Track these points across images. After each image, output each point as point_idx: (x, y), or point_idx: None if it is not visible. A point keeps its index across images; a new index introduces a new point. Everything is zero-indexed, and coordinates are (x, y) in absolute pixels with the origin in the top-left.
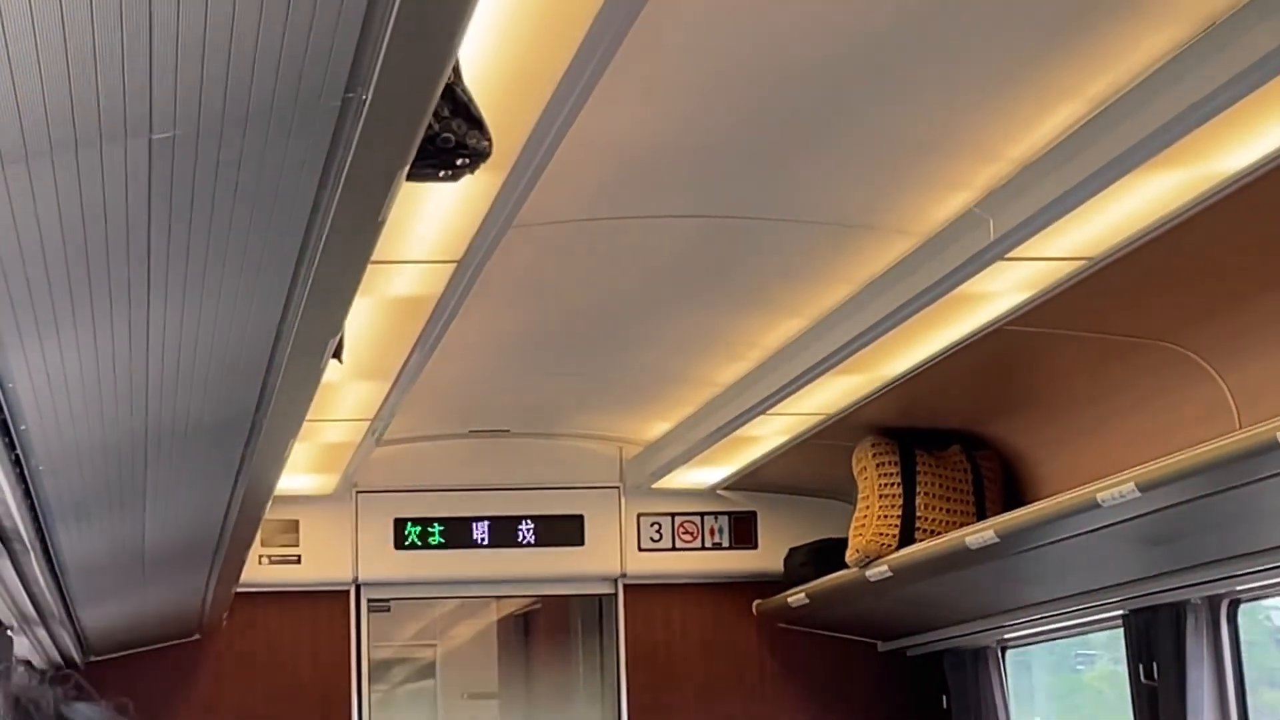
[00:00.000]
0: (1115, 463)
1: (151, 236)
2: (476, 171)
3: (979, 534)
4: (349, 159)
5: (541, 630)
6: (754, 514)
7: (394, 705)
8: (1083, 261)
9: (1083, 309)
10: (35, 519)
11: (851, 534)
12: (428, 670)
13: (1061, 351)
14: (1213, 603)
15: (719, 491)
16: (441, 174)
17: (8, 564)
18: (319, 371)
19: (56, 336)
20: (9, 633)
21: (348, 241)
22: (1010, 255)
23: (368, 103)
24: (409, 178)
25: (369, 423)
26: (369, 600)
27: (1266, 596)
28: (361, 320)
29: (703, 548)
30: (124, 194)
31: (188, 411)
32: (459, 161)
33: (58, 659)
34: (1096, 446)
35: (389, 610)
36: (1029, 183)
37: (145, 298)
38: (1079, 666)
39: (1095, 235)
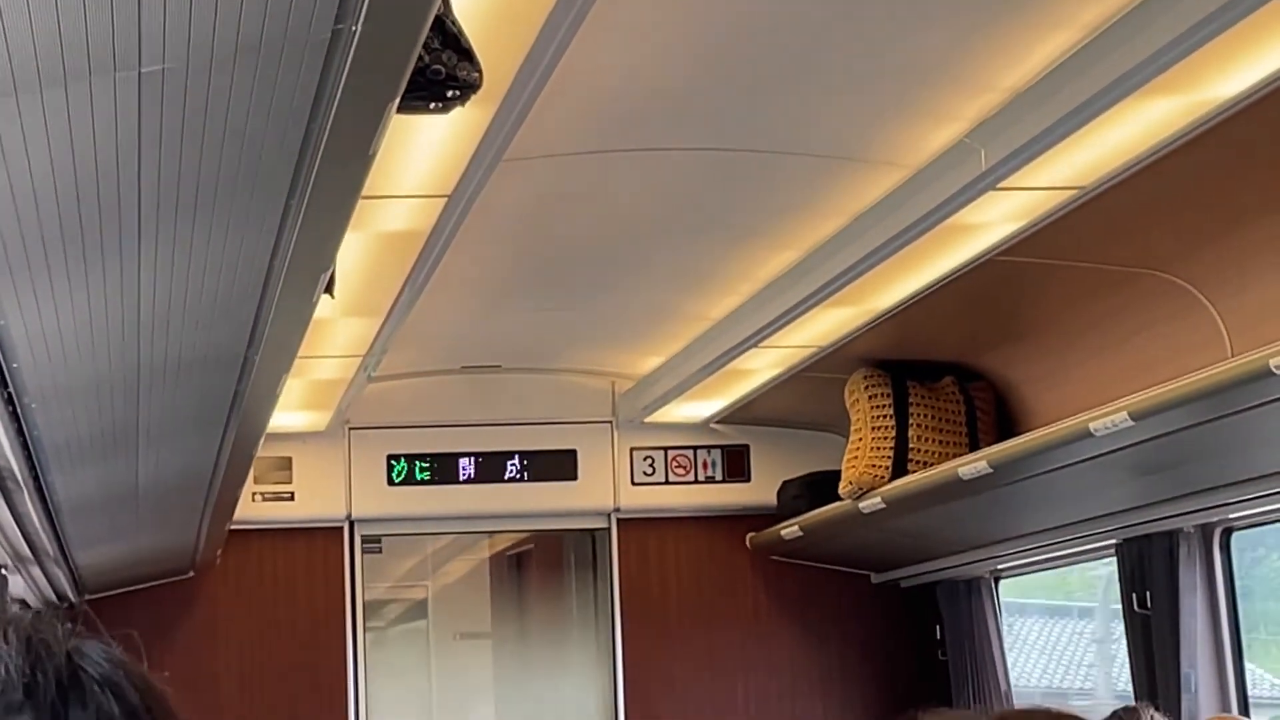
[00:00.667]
0: (1108, 392)
1: (141, 172)
2: (467, 104)
3: (972, 465)
4: (339, 91)
5: (534, 568)
6: (747, 447)
7: (386, 644)
8: (1075, 191)
9: (1075, 239)
10: (29, 457)
11: (844, 466)
12: (419, 609)
13: (1054, 282)
14: (1205, 531)
15: (712, 425)
16: (432, 106)
17: (1, 503)
18: (311, 307)
19: (48, 274)
20: (3, 571)
21: (338, 175)
22: (1002, 185)
23: (357, 35)
24: (399, 110)
25: (361, 359)
26: (362, 538)
27: (1259, 524)
28: (353, 256)
29: (696, 481)
30: (113, 129)
31: (180, 348)
32: (449, 94)
33: (53, 598)
34: (1089, 376)
35: (380, 550)
36: (1020, 112)
37: (136, 234)
38: None
39: (1087, 164)
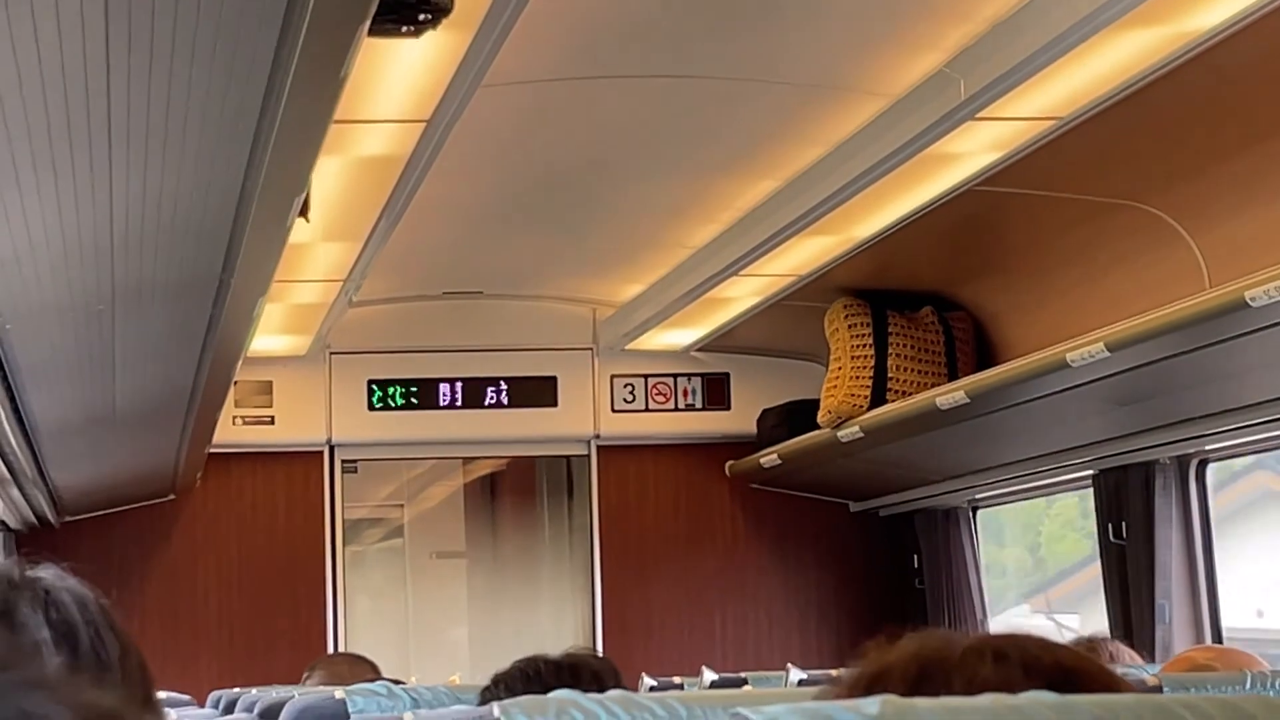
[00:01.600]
0: (1086, 324)
1: (110, 90)
2: (442, 28)
3: (950, 394)
4: (308, 13)
5: (507, 492)
6: (727, 375)
7: (364, 564)
8: (1054, 121)
9: (1054, 170)
10: (4, 378)
11: (823, 395)
12: (396, 531)
13: (1033, 213)
14: (1181, 462)
15: (692, 353)
16: (404, 29)
17: None
18: (285, 230)
19: (19, 193)
20: None
21: (310, 98)
22: (981, 115)
23: None
24: (370, 33)
25: (341, 284)
26: (343, 462)
27: (1234, 456)
28: (331, 181)
29: (676, 409)
30: (81, 46)
31: (154, 270)
32: (421, 16)
33: (31, 519)
34: (1068, 307)
35: (356, 471)
36: (1000, 41)
37: (107, 154)
38: None
39: (1067, 94)
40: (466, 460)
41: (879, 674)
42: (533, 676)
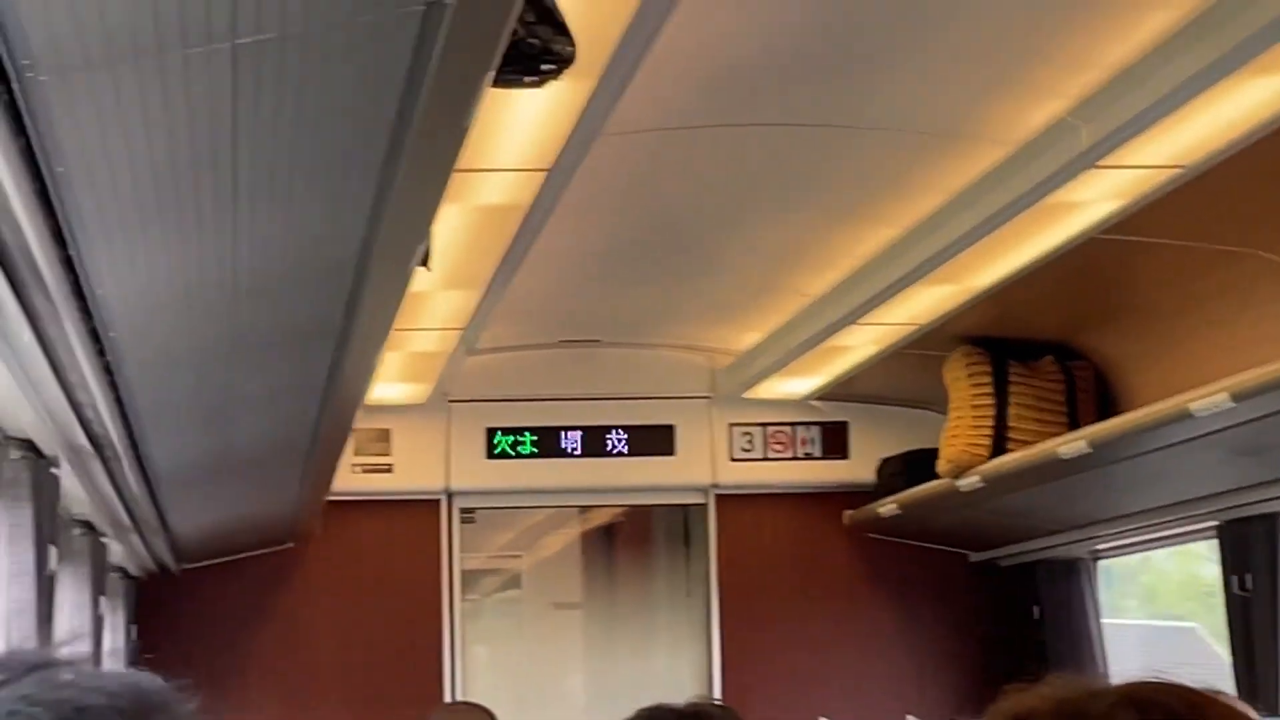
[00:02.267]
0: (1210, 373)
1: (237, 142)
2: (564, 79)
3: (1071, 444)
4: (433, 65)
5: (624, 542)
6: (845, 424)
7: (481, 614)
8: (1176, 170)
9: (1176, 218)
10: (127, 425)
11: (943, 444)
12: (514, 581)
13: (1155, 261)
14: None
15: (810, 402)
16: (527, 80)
17: (100, 470)
18: (406, 279)
19: (144, 243)
20: (103, 540)
21: (433, 148)
22: (1102, 163)
23: (451, 7)
24: (494, 84)
25: (460, 332)
26: (460, 510)
27: None
28: (452, 229)
29: (794, 458)
30: (208, 100)
31: (276, 319)
32: (544, 67)
33: (152, 566)
34: (1190, 356)
35: (475, 520)
36: (1122, 90)
37: (231, 204)
38: None
39: (1188, 143)
40: (583, 510)
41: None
42: None
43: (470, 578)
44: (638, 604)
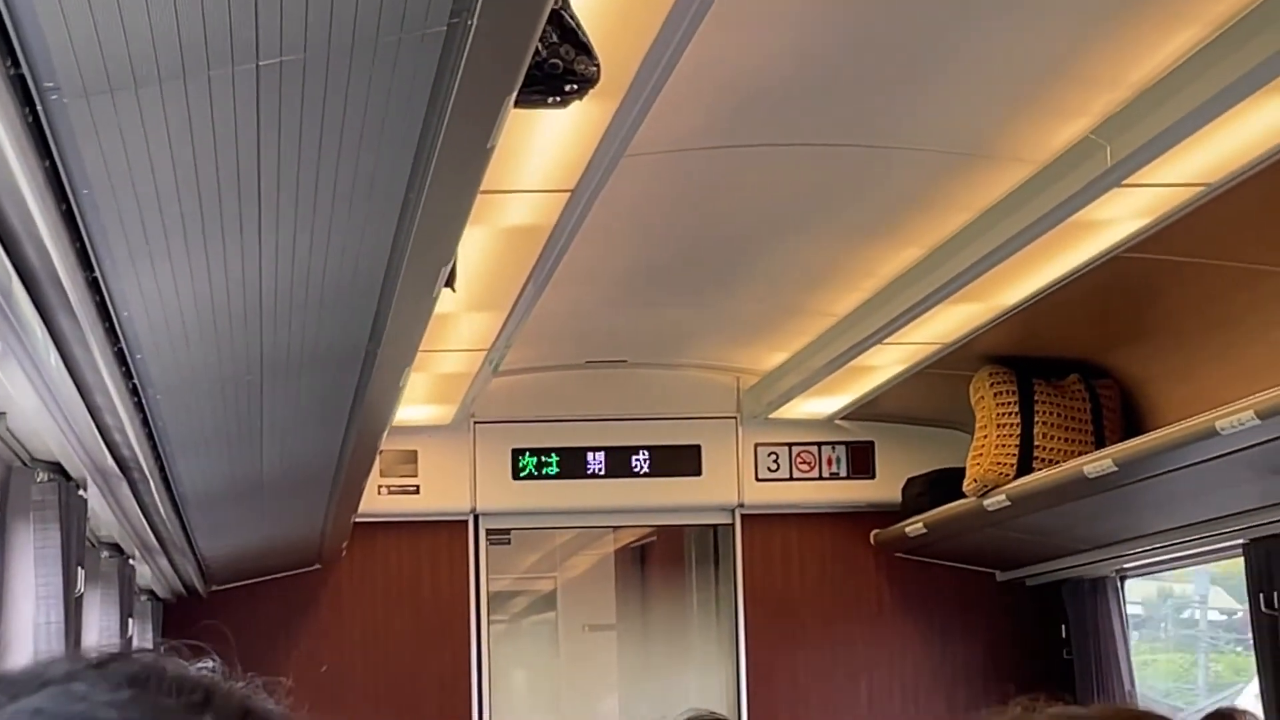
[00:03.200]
0: (1235, 391)
1: (261, 164)
2: (587, 98)
3: (1097, 463)
4: (456, 85)
5: (656, 562)
6: (871, 444)
7: (513, 636)
8: (1202, 188)
9: (1202, 236)
10: (154, 448)
11: (969, 463)
12: (547, 601)
13: (1181, 279)
14: None
15: (836, 421)
16: (550, 100)
17: (128, 492)
18: (432, 300)
19: (170, 265)
20: (131, 562)
21: (457, 169)
22: (1128, 182)
23: (474, 27)
24: (517, 104)
25: (485, 353)
26: (488, 531)
27: None
28: (476, 250)
29: (820, 478)
30: (233, 122)
31: (301, 340)
32: (568, 88)
33: (180, 589)
34: (1217, 375)
35: (509, 543)
36: (1147, 108)
37: (256, 225)
38: None
39: (1214, 161)
40: (616, 529)
41: None
42: None
43: (499, 599)
44: (669, 624)
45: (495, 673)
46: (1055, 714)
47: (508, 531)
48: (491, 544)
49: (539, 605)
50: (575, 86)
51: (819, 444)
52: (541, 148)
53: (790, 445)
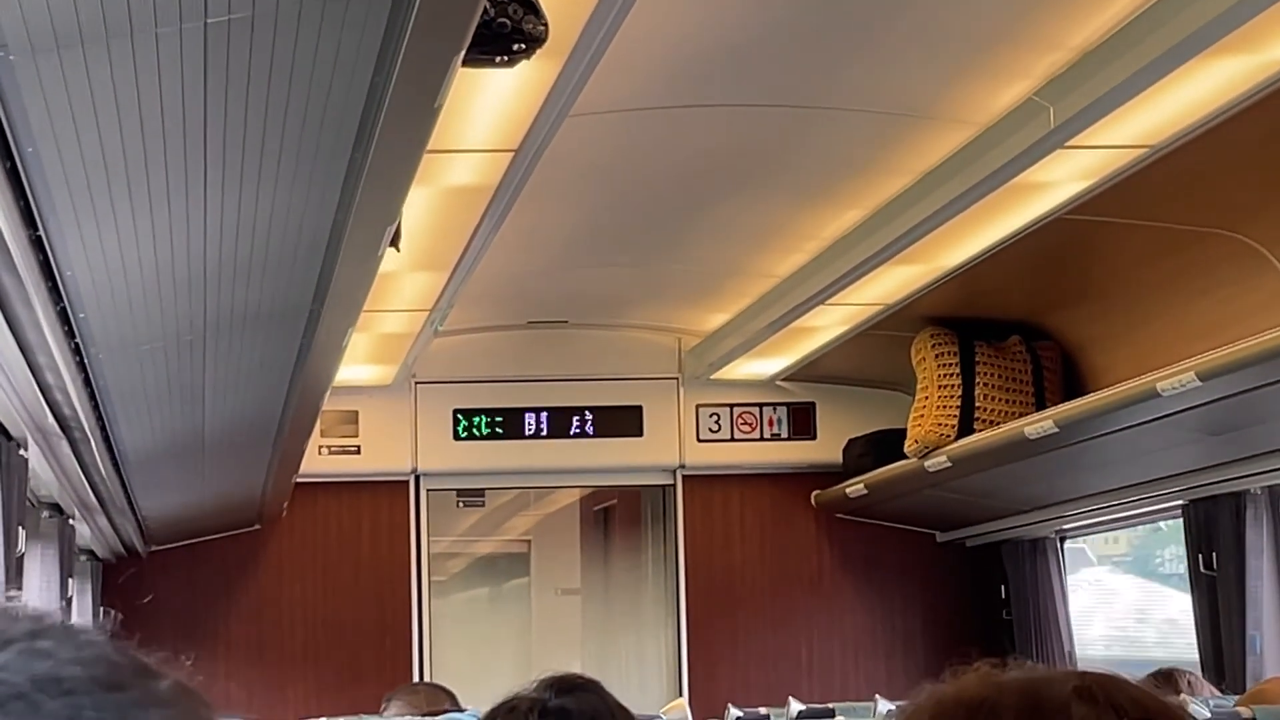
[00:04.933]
0: (1176, 353)
1: (208, 122)
2: (533, 58)
3: (1038, 424)
4: (404, 44)
5: (616, 523)
6: (813, 405)
7: (448, 591)
8: (1143, 150)
9: (1143, 198)
10: (95, 406)
11: (910, 424)
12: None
13: (1122, 241)
14: (1273, 492)
15: (778, 382)
16: (498, 59)
17: (68, 451)
18: (376, 260)
19: (115, 224)
20: (71, 522)
21: (404, 128)
22: (1070, 144)
23: None
24: (465, 63)
25: (427, 313)
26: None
27: None
28: (419, 210)
29: (761, 439)
30: (179, 79)
31: (245, 300)
32: (515, 47)
33: (120, 549)
34: (1157, 337)
35: (484, 504)
36: (1089, 71)
37: (202, 185)
38: None
39: (1155, 123)
40: (554, 489)
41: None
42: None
43: (438, 560)
44: (611, 586)
45: (435, 632)
46: (1019, 677)
47: (482, 491)
48: (466, 504)
49: (472, 564)
50: (523, 46)
51: (760, 405)
52: (486, 107)
53: (731, 406)
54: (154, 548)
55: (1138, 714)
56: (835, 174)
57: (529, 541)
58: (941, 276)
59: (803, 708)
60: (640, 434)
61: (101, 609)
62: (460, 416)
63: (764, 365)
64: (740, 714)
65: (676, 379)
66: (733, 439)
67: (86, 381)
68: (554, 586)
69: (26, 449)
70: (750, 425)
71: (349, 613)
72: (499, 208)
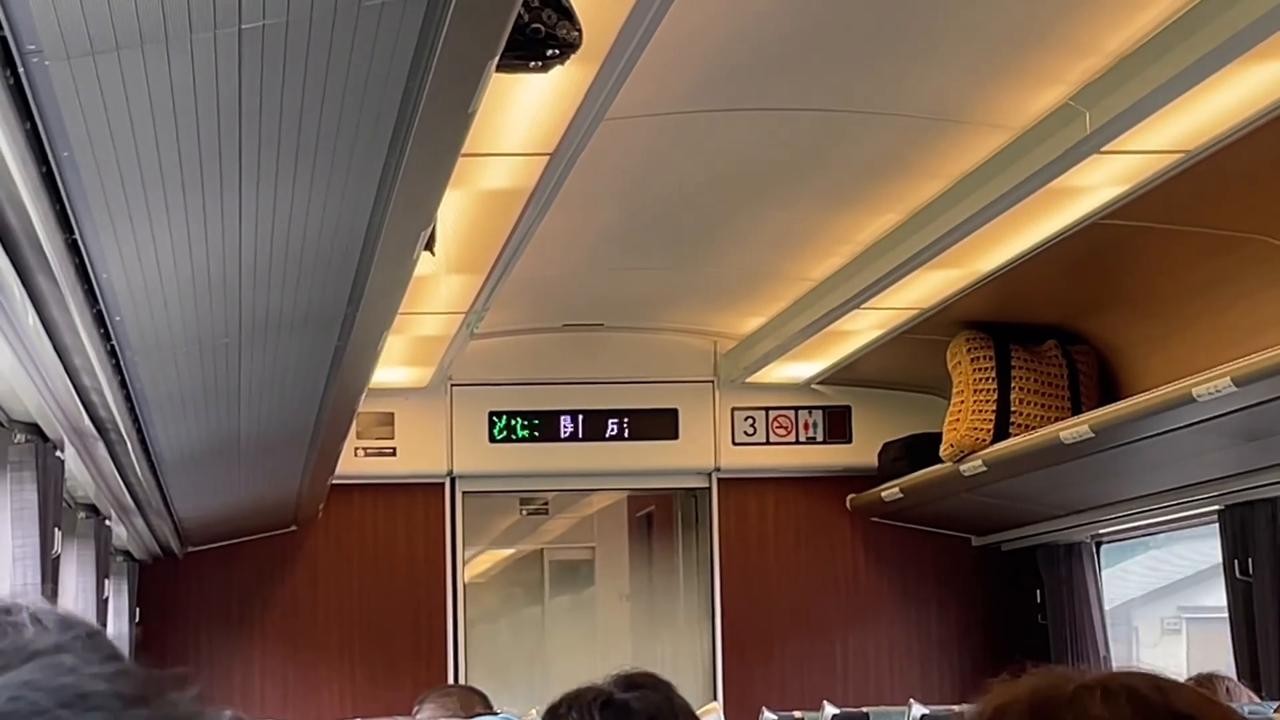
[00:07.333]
0: (1212, 358)
1: (242, 127)
2: (568, 63)
3: (1073, 429)
4: (438, 49)
5: (656, 527)
6: (848, 408)
7: (484, 592)
8: (1180, 155)
9: (1179, 203)
10: (131, 409)
11: (946, 428)
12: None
13: (1158, 246)
14: None
15: (813, 386)
16: (531, 65)
17: (104, 453)
18: (411, 263)
19: (150, 227)
20: (108, 522)
21: (438, 132)
22: (1106, 149)
23: None
24: (499, 68)
25: (463, 316)
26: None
27: None
28: (455, 213)
29: (797, 442)
30: (214, 85)
31: (280, 304)
32: (549, 52)
33: (156, 550)
34: (1192, 341)
35: (548, 513)
36: (1126, 75)
37: (236, 189)
38: None
39: (1192, 128)
40: (590, 491)
41: (996, 711)
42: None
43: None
44: (648, 589)
45: (469, 630)
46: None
47: (546, 501)
48: (530, 514)
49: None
50: (557, 51)
51: (796, 408)
52: (521, 111)
53: (767, 409)
54: (190, 549)
55: (1167, 716)
56: (870, 178)
57: (593, 548)
58: (977, 280)
59: (837, 711)
60: (675, 437)
61: (137, 609)
62: (495, 419)
63: (799, 369)
64: (775, 717)
65: (712, 382)
66: (768, 442)
67: (122, 384)
68: (617, 592)
69: (63, 450)
70: (786, 428)
71: (384, 615)
72: (534, 211)
